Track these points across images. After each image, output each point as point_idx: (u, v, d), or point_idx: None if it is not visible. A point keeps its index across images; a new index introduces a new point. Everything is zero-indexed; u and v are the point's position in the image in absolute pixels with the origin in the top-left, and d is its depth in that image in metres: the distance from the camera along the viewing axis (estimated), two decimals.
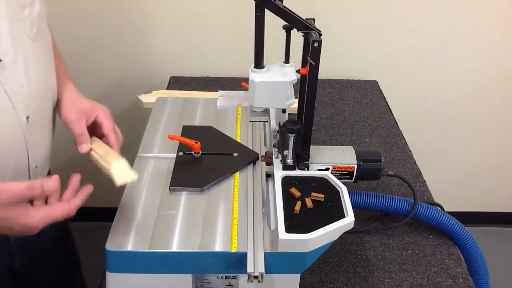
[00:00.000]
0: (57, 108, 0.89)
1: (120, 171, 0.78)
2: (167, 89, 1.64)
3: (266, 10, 0.80)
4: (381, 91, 1.67)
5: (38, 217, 0.66)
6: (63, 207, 0.69)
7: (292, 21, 0.82)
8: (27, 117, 0.78)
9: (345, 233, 0.78)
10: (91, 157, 0.83)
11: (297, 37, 0.88)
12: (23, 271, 0.95)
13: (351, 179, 0.94)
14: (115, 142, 0.85)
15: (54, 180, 0.68)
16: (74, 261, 1.16)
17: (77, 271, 1.17)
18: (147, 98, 1.46)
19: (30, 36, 0.78)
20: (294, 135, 0.85)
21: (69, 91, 0.91)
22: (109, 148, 0.84)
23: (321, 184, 0.85)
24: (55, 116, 0.91)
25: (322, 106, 1.56)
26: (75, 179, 0.75)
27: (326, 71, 1.51)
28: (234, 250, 0.74)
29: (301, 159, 0.88)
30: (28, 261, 0.95)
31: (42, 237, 0.96)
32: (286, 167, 0.88)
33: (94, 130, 0.87)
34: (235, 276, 0.77)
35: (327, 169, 0.91)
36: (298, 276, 0.78)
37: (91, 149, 0.83)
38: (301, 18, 0.82)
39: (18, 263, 0.93)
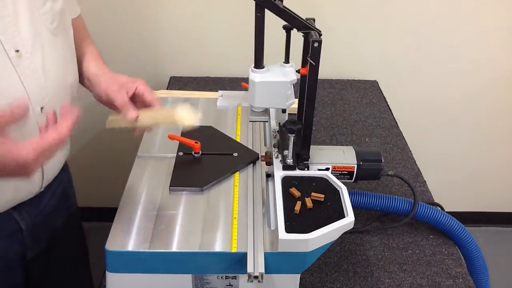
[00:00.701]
0: (91, 87, 0.92)
1: (185, 112, 0.79)
2: (167, 89, 1.64)
3: (266, 10, 0.80)
4: (381, 91, 1.67)
5: (31, 147, 0.62)
6: (52, 133, 0.64)
7: (292, 21, 0.82)
8: (42, 108, 0.79)
9: (345, 233, 0.78)
10: (138, 124, 0.82)
11: (297, 37, 0.88)
12: (34, 261, 0.97)
13: (351, 179, 0.94)
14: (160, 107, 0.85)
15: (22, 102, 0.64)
16: (83, 254, 1.17)
17: (86, 264, 1.19)
18: None
19: (50, 30, 0.81)
20: (294, 135, 0.85)
21: (104, 69, 0.94)
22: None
23: (321, 184, 0.85)
24: None
25: (322, 106, 1.56)
26: (70, 110, 0.68)
27: (326, 71, 1.51)
28: (234, 250, 0.74)
29: (301, 159, 0.88)
30: (39, 252, 0.97)
31: (54, 226, 0.98)
32: (286, 167, 0.88)
33: (134, 101, 0.86)
34: (235, 276, 0.77)
35: (327, 169, 0.91)
36: (298, 276, 0.78)
37: (137, 116, 0.82)
38: (301, 18, 0.82)
39: (30, 252, 0.94)
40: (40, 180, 0.87)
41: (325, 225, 0.75)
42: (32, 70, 0.77)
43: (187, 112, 0.79)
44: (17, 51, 0.74)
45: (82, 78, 0.95)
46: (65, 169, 1.01)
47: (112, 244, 0.75)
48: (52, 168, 0.91)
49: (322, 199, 0.81)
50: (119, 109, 0.83)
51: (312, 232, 0.73)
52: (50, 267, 1.03)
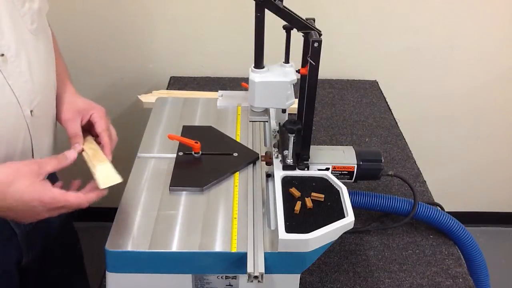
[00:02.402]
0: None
1: (104, 174, 0.78)
2: (167, 89, 1.64)
3: (266, 10, 0.80)
4: (381, 91, 1.67)
5: (55, 194, 0.69)
6: (78, 195, 0.72)
7: (292, 21, 0.82)
8: (31, 111, 0.79)
9: (345, 233, 0.78)
10: (83, 157, 0.83)
11: (297, 37, 0.88)
12: (29, 265, 0.96)
13: (351, 179, 0.94)
14: (107, 143, 0.85)
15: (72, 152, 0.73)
16: (78, 257, 1.17)
17: (81, 267, 1.18)
18: (147, 98, 1.46)
19: (31, 31, 0.79)
20: (294, 135, 0.85)
21: (67, 91, 0.91)
22: (99, 149, 0.84)
23: (321, 184, 0.85)
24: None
25: (322, 106, 1.56)
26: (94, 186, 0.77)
27: (326, 71, 1.51)
28: (234, 250, 0.74)
29: (301, 159, 0.88)
30: (35, 256, 0.96)
31: (48, 230, 0.97)
32: (286, 167, 0.88)
33: (90, 129, 0.88)
34: (235, 276, 0.77)
35: (327, 169, 0.91)
36: (298, 276, 0.78)
37: (83, 149, 0.84)
38: (301, 18, 0.82)
39: (26, 258, 0.94)
40: None
41: (325, 225, 0.75)
42: (18, 73, 0.75)
43: (107, 173, 0.79)
44: (2, 55, 0.73)
45: None
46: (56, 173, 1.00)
47: (112, 244, 0.75)
48: None
49: (322, 199, 0.81)
50: (69, 138, 0.85)
51: (312, 232, 0.73)
52: (46, 272, 1.03)
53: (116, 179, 0.78)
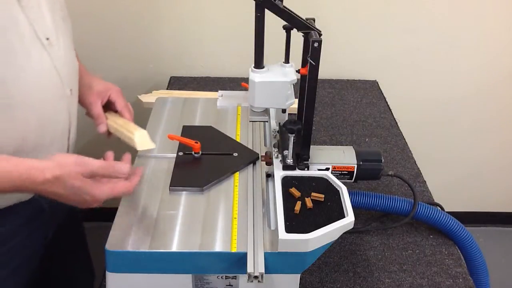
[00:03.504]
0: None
1: (141, 138, 0.88)
2: (167, 89, 1.64)
3: (266, 10, 0.80)
4: (381, 91, 1.67)
5: (104, 190, 0.73)
6: (125, 184, 0.75)
7: (292, 21, 0.82)
8: (71, 90, 0.86)
9: (345, 233, 0.78)
10: (109, 129, 0.94)
11: (297, 37, 0.88)
12: (52, 240, 1.00)
13: (351, 179, 0.94)
14: (129, 118, 0.95)
15: (126, 165, 0.76)
16: (81, 232, 1.20)
17: (84, 243, 1.22)
18: (147, 98, 1.46)
19: (61, 17, 0.85)
20: (294, 135, 0.85)
21: (83, 75, 0.97)
22: (126, 120, 0.94)
23: (321, 184, 0.85)
24: None
25: (322, 106, 1.56)
26: (138, 169, 0.81)
27: (326, 71, 1.52)
28: (234, 250, 0.74)
29: (301, 159, 0.88)
30: (56, 230, 1.01)
31: (66, 206, 1.00)
32: (286, 167, 0.88)
33: (109, 106, 0.97)
34: (235, 276, 0.77)
35: (327, 169, 0.91)
36: (298, 276, 0.78)
37: (107, 125, 0.94)
38: (301, 18, 0.82)
39: (51, 232, 0.99)
40: None
41: (325, 225, 0.75)
42: (59, 56, 0.82)
43: (143, 138, 0.88)
44: (47, 39, 0.79)
45: None
46: None
47: (112, 244, 0.75)
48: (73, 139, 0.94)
49: (322, 199, 0.81)
50: (94, 119, 0.94)
51: (312, 232, 0.73)
52: (57, 246, 1.06)
53: (151, 144, 0.88)
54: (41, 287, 1.04)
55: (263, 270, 0.71)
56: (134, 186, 0.77)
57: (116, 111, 0.97)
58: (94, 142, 1.64)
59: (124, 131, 0.89)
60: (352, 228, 0.79)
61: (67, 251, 1.12)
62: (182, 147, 0.96)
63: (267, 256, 0.74)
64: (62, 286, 1.15)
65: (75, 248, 1.17)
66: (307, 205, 0.79)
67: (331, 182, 0.85)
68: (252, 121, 1.08)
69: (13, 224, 0.87)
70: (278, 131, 0.97)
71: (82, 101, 0.95)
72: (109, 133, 0.95)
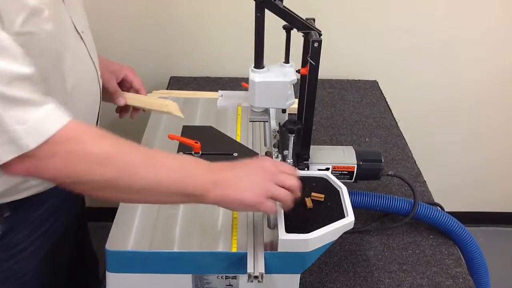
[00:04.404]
0: None
1: (174, 106, 0.99)
2: (167, 89, 1.64)
3: (266, 10, 0.80)
4: (381, 91, 1.67)
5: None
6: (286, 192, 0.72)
7: (292, 21, 0.82)
8: (101, 76, 0.91)
9: (345, 233, 0.78)
10: (132, 103, 1.01)
11: (297, 37, 0.88)
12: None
13: (351, 179, 0.94)
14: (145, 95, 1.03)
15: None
16: (87, 234, 1.21)
17: (88, 242, 1.22)
18: None
19: (84, 11, 0.90)
20: (294, 135, 0.85)
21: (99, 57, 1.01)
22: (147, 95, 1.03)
23: (321, 184, 0.85)
24: None
25: (322, 106, 1.56)
26: None
27: (326, 71, 1.51)
28: (234, 250, 0.74)
29: (301, 159, 0.88)
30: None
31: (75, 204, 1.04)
32: None
33: (121, 85, 1.02)
34: (235, 276, 0.77)
35: (327, 169, 0.91)
36: (298, 276, 0.78)
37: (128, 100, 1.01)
38: (301, 18, 0.82)
39: (81, 209, 1.04)
40: None
41: (325, 225, 0.75)
42: (91, 47, 0.87)
43: (175, 106, 0.98)
44: (82, 32, 0.83)
45: None
46: None
47: (112, 244, 0.75)
48: None
49: (322, 199, 0.81)
50: (112, 95, 0.99)
51: (312, 232, 0.73)
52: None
53: (180, 113, 1.01)
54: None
55: (263, 270, 0.71)
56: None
57: (127, 91, 1.03)
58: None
59: (158, 102, 0.99)
60: (352, 228, 0.79)
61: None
62: (182, 147, 0.96)
63: (267, 256, 0.74)
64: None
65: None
66: (307, 205, 0.79)
67: (331, 182, 0.85)
68: (252, 121, 1.08)
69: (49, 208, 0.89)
70: (278, 131, 0.97)
71: None
72: (121, 110, 1.02)
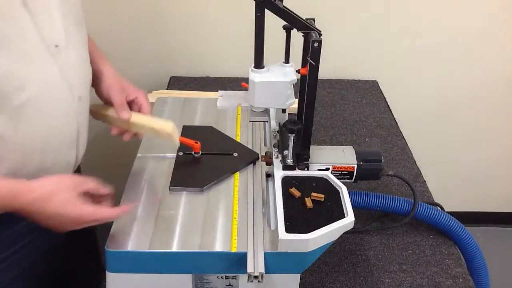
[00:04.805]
0: (96, 83, 0.94)
1: (175, 131, 0.89)
2: (167, 89, 1.64)
3: (266, 10, 0.80)
4: (381, 91, 1.67)
5: (86, 210, 0.73)
6: (108, 211, 0.75)
7: (292, 21, 0.82)
8: (80, 97, 0.84)
9: (345, 233, 0.78)
10: (132, 124, 0.91)
11: (297, 37, 0.88)
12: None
13: (351, 179, 0.94)
14: None
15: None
16: (92, 237, 1.20)
17: (95, 245, 1.21)
18: None
19: (75, 24, 0.84)
20: (294, 135, 0.85)
21: (109, 68, 0.97)
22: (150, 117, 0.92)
23: (321, 184, 0.85)
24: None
25: (322, 106, 1.56)
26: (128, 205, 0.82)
27: (326, 71, 1.51)
28: (234, 250, 0.74)
29: (301, 159, 0.88)
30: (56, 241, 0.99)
31: None
32: (286, 167, 0.88)
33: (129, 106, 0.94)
34: (235, 276, 0.77)
35: (327, 169, 0.91)
36: (298, 276, 0.78)
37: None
38: (301, 18, 0.82)
39: (48, 241, 0.96)
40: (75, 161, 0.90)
41: (325, 225, 0.75)
42: (69, 63, 0.80)
43: (176, 132, 0.89)
44: (56, 46, 0.77)
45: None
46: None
47: (112, 244, 0.75)
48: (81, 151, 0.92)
49: (322, 199, 0.81)
50: (115, 107, 0.90)
51: (312, 232, 0.73)
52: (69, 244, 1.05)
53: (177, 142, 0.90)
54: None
55: (263, 270, 0.71)
56: (116, 216, 0.77)
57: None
58: (104, 154, 1.65)
59: (154, 123, 0.90)
60: (352, 228, 0.79)
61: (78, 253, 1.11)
62: (182, 147, 0.96)
63: (267, 256, 0.74)
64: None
65: (82, 255, 1.16)
66: (307, 205, 0.79)
67: (331, 182, 0.85)
68: (252, 121, 1.08)
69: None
70: (278, 131, 0.97)
71: (101, 88, 0.93)
72: (121, 133, 0.93)
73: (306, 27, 0.82)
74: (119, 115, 0.89)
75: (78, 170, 0.96)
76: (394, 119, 1.51)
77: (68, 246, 1.00)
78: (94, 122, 0.95)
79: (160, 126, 0.89)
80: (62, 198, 0.71)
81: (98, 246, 1.21)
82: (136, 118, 0.90)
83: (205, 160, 0.94)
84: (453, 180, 2.03)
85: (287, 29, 0.89)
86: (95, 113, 0.94)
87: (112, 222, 0.79)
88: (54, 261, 0.98)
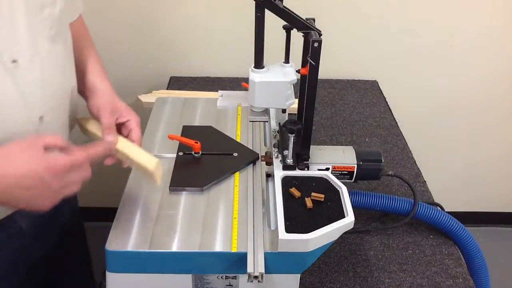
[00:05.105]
0: (87, 97, 0.89)
1: (159, 170, 0.82)
2: (167, 89, 1.64)
3: (266, 10, 0.80)
4: (381, 91, 1.67)
5: (60, 157, 0.66)
6: (82, 148, 0.69)
7: (292, 21, 0.82)
8: (41, 117, 0.77)
9: (345, 233, 0.78)
10: (118, 146, 0.83)
11: (297, 37, 0.88)
12: (39, 263, 0.96)
13: (351, 179, 0.94)
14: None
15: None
16: (86, 256, 1.17)
17: (88, 266, 1.18)
18: (147, 98, 1.46)
19: (49, 37, 0.78)
20: (294, 135, 0.85)
21: (105, 84, 0.90)
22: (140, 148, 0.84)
23: (321, 184, 0.85)
24: (74, 117, 0.91)
25: (322, 106, 1.56)
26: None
27: (326, 71, 1.51)
28: (234, 250, 0.74)
29: (301, 159, 0.88)
30: (45, 251, 0.96)
31: (57, 223, 0.97)
32: (286, 167, 0.88)
33: (118, 131, 0.86)
34: (235, 276, 0.77)
35: (327, 169, 0.91)
36: (298, 276, 0.78)
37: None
38: (301, 18, 0.82)
39: (34, 254, 0.93)
40: None
41: (325, 225, 0.75)
42: (30, 79, 0.74)
43: (160, 171, 0.82)
44: (14, 61, 0.71)
45: (82, 88, 0.92)
46: None
47: (112, 244, 0.75)
48: None
49: (322, 199, 0.81)
50: (102, 129, 0.83)
51: (312, 232, 0.73)
52: (54, 270, 1.03)
53: (159, 181, 0.82)
54: None
55: (263, 270, 0.71)
56: (97, 152, 0.71)
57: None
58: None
59: (137, 156, 0.81)
60: (352, 228, 0.79)
61: (66, 275, 1.09)
62: (182, 147, 0.96)
63: (267, 256, 0.74)
64: None
65: (76, 274, 1.14)
66: (307, 205, 0.79)
67: (331, 182, 0.85)
68: (252, 121, 1.08)
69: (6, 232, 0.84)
70: (278, 131, 0.97)
71: (97, 108, 0.86)
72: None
73: (306, 27, 0.82)
74: (104, 139, 0.82)
75: None
76: (394, 119, 1.51)
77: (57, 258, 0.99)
78: None
79: (143, 161, 0.80)
80: (25, 155, 0.64)
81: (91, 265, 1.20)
82: (122, 145, 0.82)
83: (205, 160, 0.94)
84: (453, 180, 2.03)
85: (287, 29, 0.89)
86: (81, 127, 0.89)
87: (112, 222, 0.79)
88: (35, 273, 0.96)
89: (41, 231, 0.93)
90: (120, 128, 0.86)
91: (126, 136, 0.85)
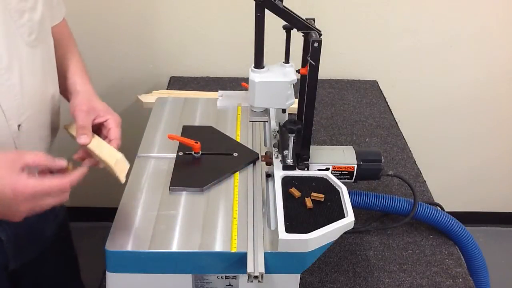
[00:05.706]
0: (70, 99, 0.88)
1: (122, 166, 0.78)
2: (167, 89, 1.64)
3: (266, 10, 0.80)
4: (381, 91, 1.67)
5: (29, 182, 0.64)
6: (56, 178, 0.67)
7: (292, 21, 0.82)
8: (19, 125, 0.76)
9: (345, 233, 0.78)
10: (89, 149, 0.81)
11: (297, 37, 0.88)
12: (23, 271, 0.95)
13: (351, 179, 0.94)
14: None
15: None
16: (73, 263, 1.15)
17: (76, 273, 1.16)
18: (147, 98, 1.46)
19: (28, 43, 0.77)
20: (294, 135, 0.85)
21: (85, 85, 0.89)
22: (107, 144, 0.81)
23: (321, 184, 0.85)
24: (56, 124, 0.90)
25: (322, 106, 1.56)
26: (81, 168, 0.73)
27: (326, 71, 1.52)
28: (234, 250, 0.74)
29: (301, 159, 0.88)
30: (26, 262, 0.94)
31: (40, 236, 0.95)
32: (286, 167, 0.88)
33: (97, 132, 0.85)
34: (235, 276, 0.77)
35: (327, 169, 0.91)
36: (298, 276, 0.78)
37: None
38: (301, 18, 0.82)
39: (13, 263, 0.91)
40: None
41: (325, 225, 0.75)
42: (8, 86, 0.73)
43: (123, 166, 0.78)
44: None
45: (64, 91, 0.91)
46: None
47: (112, 244, 0.75)
48: None
49: (322, 199, 0.81)
50: (76, 129, 0.80)
51: (312, 232, 0.73)
52: (40, 279, 1.01)
53: (123, 178, 0.78)
54: None
55: (263, 270, 0.71)
56: (69, 184, 0.67)
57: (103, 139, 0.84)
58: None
59: (107, 152, 0.79)
60: (352, 228, 0.79)
61: (54, 285, 1.07)
62: (182, 147, 0.96)
63: (267, 256, 0.74)
64: None
65: (64, 284, 1.13)
66: (307, 205, 0.79)
67: (331, 182, 0.85)
68: (252, 121, 1.08)
69: None
70: (278, 131, 0.97)
71: (73, 108, 0.84)
72: (82, 158, 0.82)
73: (306, 27, 0.82)
74: (77, 139, 0.79)
75: None
76: (394, 119, 1.51)
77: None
78: None
79: (105, 156, 0.77)
80: None
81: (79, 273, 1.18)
82: (93, 144, 0.79)
83: (205, 160, 0.94)
84: (453, 180, 2.03)
85: (287, 29, 0.89)
86: (67, 132, 0.86)
87: (112, 222, 0.79)
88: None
89: (22, 242, 0.90)
90: (100, 128, 0.84)
91: (105, 136, 0.83)
